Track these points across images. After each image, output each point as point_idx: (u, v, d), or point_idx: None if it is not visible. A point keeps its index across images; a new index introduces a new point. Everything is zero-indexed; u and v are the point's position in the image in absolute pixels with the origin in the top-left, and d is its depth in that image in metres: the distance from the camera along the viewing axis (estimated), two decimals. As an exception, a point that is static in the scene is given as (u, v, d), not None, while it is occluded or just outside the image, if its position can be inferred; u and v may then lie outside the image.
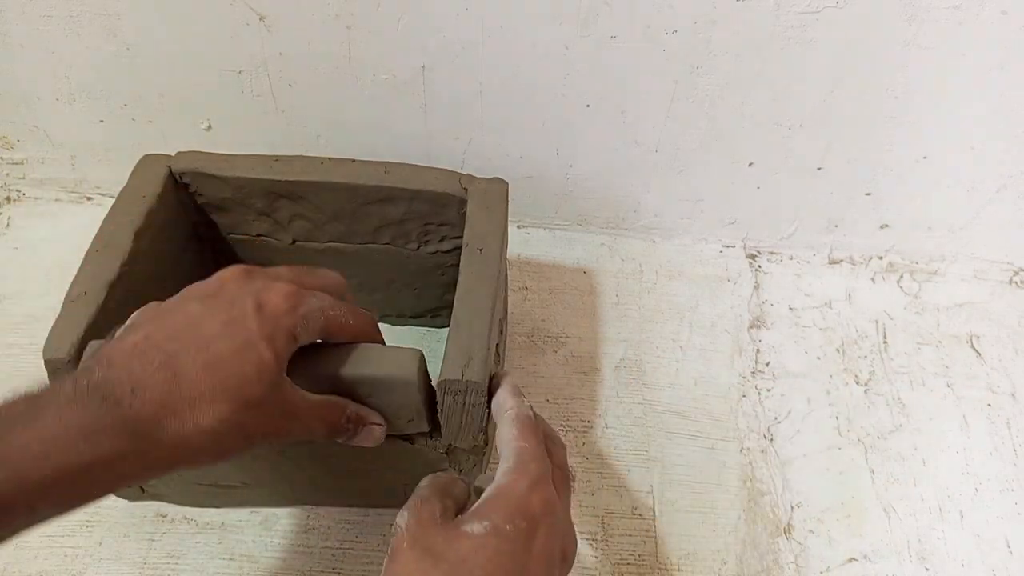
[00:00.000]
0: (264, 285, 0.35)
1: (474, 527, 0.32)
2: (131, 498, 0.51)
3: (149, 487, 0.49)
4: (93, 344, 0.38)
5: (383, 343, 0.40)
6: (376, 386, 0.39)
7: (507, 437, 0.37)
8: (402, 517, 0.33)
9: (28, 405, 0.30)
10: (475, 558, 0.30)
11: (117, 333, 0.34)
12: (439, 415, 0.41)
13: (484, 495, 0.34)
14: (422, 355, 0.39)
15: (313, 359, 0.37)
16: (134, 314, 0.35)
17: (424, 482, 0.36)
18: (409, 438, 0.44)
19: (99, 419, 0.30)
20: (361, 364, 0.38)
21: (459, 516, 0.33)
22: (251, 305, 0.34)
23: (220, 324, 0.33)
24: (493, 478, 0.35)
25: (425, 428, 0.42)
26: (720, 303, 0.67)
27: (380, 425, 0.39)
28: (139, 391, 0.31)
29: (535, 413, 0.39)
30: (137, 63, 0.59)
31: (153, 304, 0.36)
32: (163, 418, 0.31)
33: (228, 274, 0.36)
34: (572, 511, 0.38)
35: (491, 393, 0.40)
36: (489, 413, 0.41)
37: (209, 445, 0.32)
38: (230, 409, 0.32)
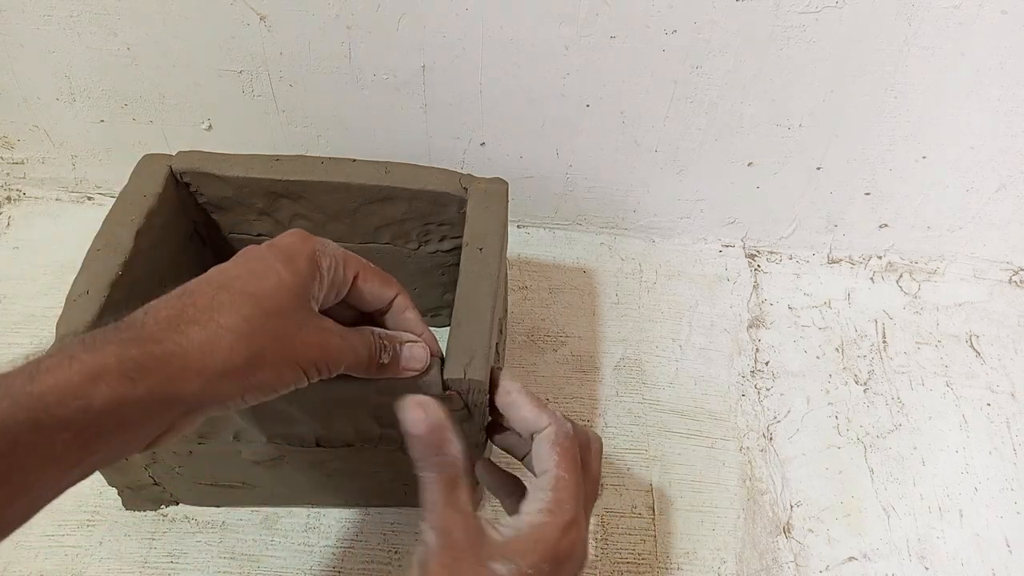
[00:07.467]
0: (278, 238, 0.36)
1: (499, 568, 0.32)
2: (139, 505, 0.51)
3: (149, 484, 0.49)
4: None
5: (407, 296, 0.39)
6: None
7: (547, 464, 0.36)
8: (429, 534, 0.33)
9: (38, 360, 0.28)
10: None
11: None
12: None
13: (517, 527, 0.34)
14: (441, 358, 0.39)
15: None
16: None
17: (434, 484, 0.34)
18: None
19: (111, 352, 0.28)
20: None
21: (487, 539, 0.33)
22: (264, 246, 0.34)
23: (237, 267, 0.33)
24: (529, 496, 0.35)
25: None
26: (719, 302, 0.67)
27: (417, 342, 0.38)
28: (151, 311, 0.30)
29: (571, 422, 0.38)
30: (137, 63, 0.59)
31: None
32: (182, 327, 0.29)
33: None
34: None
35: (491, 390, 0.40)
36: (489, 411, 0.41)
37: (240, 347, 0.30)
38: (251, 310, 0.31)
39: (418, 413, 0.35)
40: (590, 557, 0.40)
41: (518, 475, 0.40)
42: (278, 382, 0.32)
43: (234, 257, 0.34)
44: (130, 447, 0.29)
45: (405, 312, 0.39)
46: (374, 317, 0.39)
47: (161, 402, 0.28)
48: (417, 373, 0.38)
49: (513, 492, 0.40)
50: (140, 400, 0.28)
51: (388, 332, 0.38)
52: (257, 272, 0.33)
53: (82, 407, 0.26)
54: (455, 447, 0.35)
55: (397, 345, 0.38)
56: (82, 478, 0.28)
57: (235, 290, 0.31)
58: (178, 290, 0.31)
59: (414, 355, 0.38)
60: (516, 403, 0.38)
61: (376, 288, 0.38)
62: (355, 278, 0.37)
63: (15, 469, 0.25)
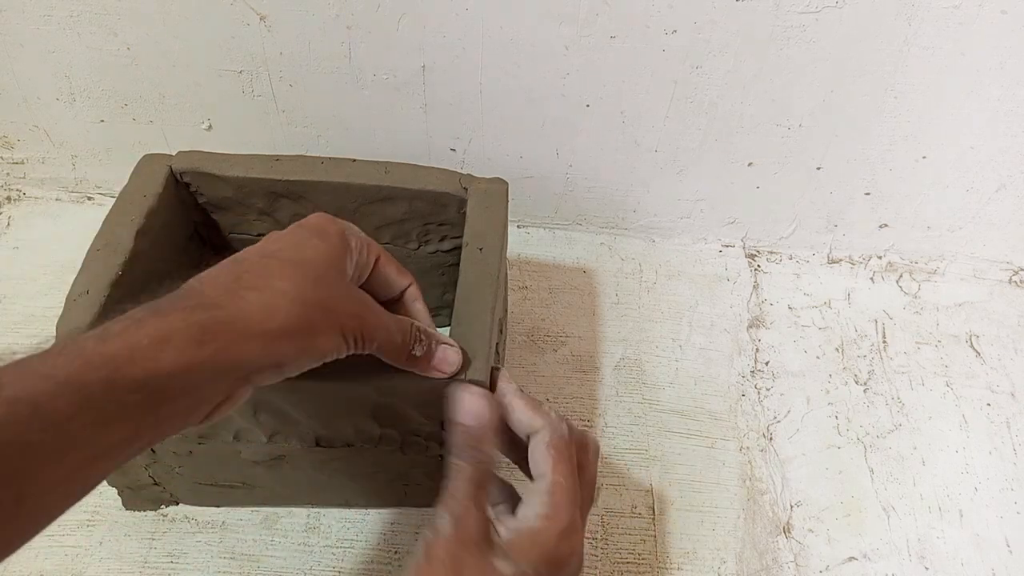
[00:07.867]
0: (304, 219, 0.36)
1: (502, 566, 0.33)
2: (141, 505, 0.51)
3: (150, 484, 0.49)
4: None
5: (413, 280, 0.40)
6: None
7: (543, 468, 0.36)
8: (443, 520, 0.33)
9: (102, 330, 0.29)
10: None
11: None
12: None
13: (516, 529, 0.35)
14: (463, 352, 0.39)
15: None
16: None
17: (464, 474, 0.35)
18: (408, 442, 0.45)
19: (178, 317, 0.29)
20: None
21: (492, 539, 0.34)
22: (294, 226, 0.36)
23: (276, 241, 0.35)
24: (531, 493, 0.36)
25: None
26: (719, 302, 0.67)
27: (453, 346, 0.38)
28: (206, 280, 0.31)
29: (567, 423, 0.38)
30: (137, 63, 0.59)
31: None
32: (241, 292, 0.30)
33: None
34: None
35: (491, 391, 0.40)
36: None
37: (295, 311, 0.31)
38: (300, 277, 0.32)
39: (478, 405, 0.36)
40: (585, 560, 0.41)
41: (513, 483, 0.40)
42: (326, 347, 0.33)
43: (264, 237, 0.35)
44: (194, 414, 0.30)
45: (415, 302, 0.40)
46: (385, 307, 0.40)
47: (225, 365, 0.29)
48: (446, 376, 0.38)
49: (507, 500, 0.40)
50: (206, 363, 0.28)
51: (426, 328, 0.38)
52: (297, 244, 0.34)
53: (152, 369, 0.27)
54: (494, 447, 0.36)
55: (433, 343, 0.38)
56: (148, 446, 0.29)
57: (282, 259, 0.33)
58: (227, 260, 0.33)
59: (447, 358, 0.38)
60: (511, 405, 0.39)
61: (393, 274, 0.39)
62: (376, 261, 0.38)
63: (87, 426, 0.26)
